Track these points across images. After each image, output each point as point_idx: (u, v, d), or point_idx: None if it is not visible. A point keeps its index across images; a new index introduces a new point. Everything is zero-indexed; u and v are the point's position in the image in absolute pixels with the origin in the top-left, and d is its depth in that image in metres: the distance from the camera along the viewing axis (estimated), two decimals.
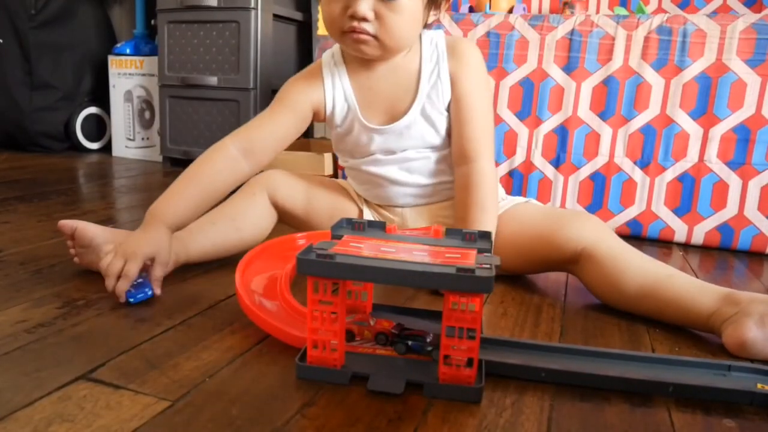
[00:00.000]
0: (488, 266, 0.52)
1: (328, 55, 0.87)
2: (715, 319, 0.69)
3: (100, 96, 2.19)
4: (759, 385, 0.57)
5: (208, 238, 0.85)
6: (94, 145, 2.22)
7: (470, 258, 0.55)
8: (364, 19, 0.73)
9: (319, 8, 1.81)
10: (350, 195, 0.95)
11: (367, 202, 0.95)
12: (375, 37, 0.75)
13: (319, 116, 0.87)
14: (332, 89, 0.85)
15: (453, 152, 0.86)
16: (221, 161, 0.80)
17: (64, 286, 0.77)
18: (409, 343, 0.59)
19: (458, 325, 0.52)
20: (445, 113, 0.85)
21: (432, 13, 0.80)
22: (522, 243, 0.84)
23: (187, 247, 0.83)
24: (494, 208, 0.83)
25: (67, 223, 0.80)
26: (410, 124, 0.84)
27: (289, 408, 0.51)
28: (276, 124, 0.83)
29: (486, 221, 0.81)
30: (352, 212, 0.94)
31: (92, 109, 2.19)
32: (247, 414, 0.49)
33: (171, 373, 0.56)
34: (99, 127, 2.23)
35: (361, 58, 0.81)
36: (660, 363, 0.61)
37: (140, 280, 0.73)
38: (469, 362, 0.53)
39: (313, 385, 0.55)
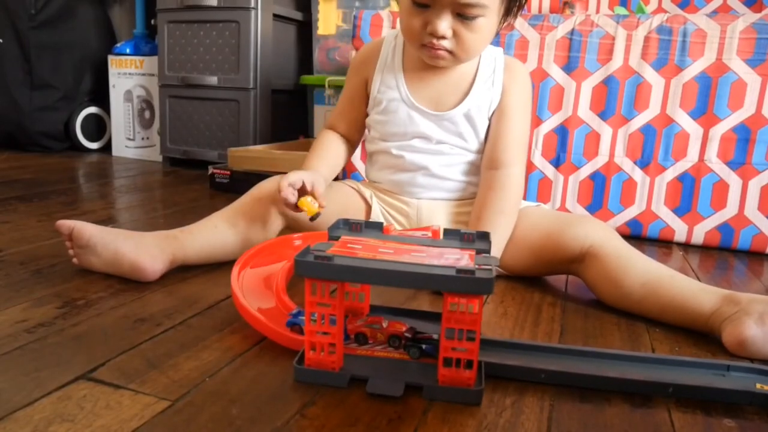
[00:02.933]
0: (488, 267, 0.52)
1: (392, 35, 0.93)
2: (715, 319, 0.69)
3: (100, 96, 2.19)
4: (758, 385, 0.57)
5: (208, 242, 0.85)
6: (94, 145, 2.22)
7: (469, 259, 0.55)
8: (443, 37, 0.77)
9: (319, 8, 1.82)
10: (358, 192, 0.96)
11: (377, 197, 0.95)
12: (451, 52, 0.80)
13: (367, 90, 0.94)
14: (383, 68, 0.91)
15: (485, 157, 0.89)
16: (333, 143, 0.95)
17: (64, 286, 0.77)
18: (423, 347, 0.59)
19: (458, 327, 0.52)
20: (487, 120, 0.89)
21: (506, 21, 0.84)
22: (531, 242, 0.85)
23: (184, 248, 0.83)
24: (513, 214, 0.85)
25: (65, 223, 0.80)
26: (452, 119, 0.88)
27: (289, 408, 0.51)
28: (353, 106, 0.96)
29: (502, 225, 0.82)
30: (359, 209, 0.94)
31: (92, 109, 2.19)
32: (247, 414, 0.49)
33: (171, 373, 0.56)
34: (99, 127, 2.23)
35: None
36: (659, 363, 0.61)
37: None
38: (469, 364, 0.53)
39: (313, 384, 0.55)
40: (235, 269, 0.70)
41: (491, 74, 0.88)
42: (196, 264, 0.86)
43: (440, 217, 0.91)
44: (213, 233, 0.86)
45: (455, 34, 0.78)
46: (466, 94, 0.87)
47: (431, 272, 0.50)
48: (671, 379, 0.57)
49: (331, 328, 0.54)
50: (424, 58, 0.83)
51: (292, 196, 0.81)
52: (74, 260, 0.82)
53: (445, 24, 0.76)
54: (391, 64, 0.90)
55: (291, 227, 0.93)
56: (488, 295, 0.82)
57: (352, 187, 0.96)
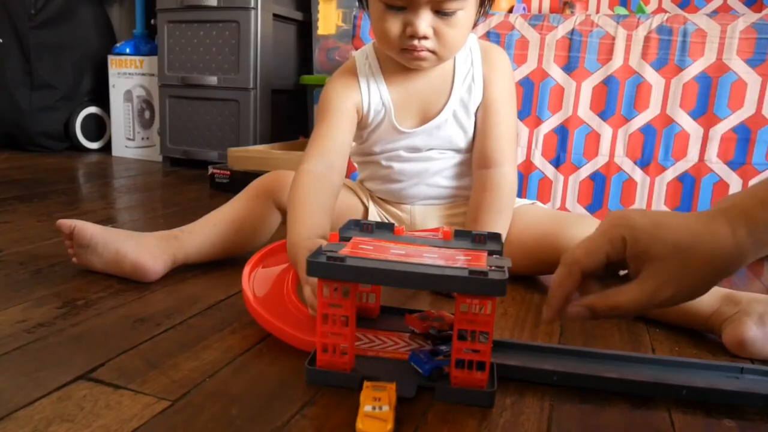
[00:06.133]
0: (501, 269, 0.51)
1: (362, 55, 0.86)
2: (715, 319, 0.69)
3: (100, 96, 2.19)
4: None
5: (208, 239, 0.85)
6: (94, 145, 2.22)
7: (481, 260, 0.54)
8: (425, 37, 0.74)
9: (319, 8, 1.82)
10: (355, 193, 0.95)
11: (373, 199, 0.94)
12: (433, 52, 0.76)
13: (358, 116, 0.86)
14: (368, 91, 0.84)
15: (475, 155, 0.86)
16: (315, 184, 0.77)
17: (64, 286, 0.77)
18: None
19: (470, 329, 0.51)
20: (473, 117, 0.86)
21: (481, 12, 0.80)
22: (526, 242, 0.84)
23: (185, 248, 0.83)
24: (509, 213, 0.83)
25: (66, 223, 0.80)
26: (441, 125, 0.85)
27: (289, 408, 0.51)
28: (337, 133, 0.82)
29: (499, 225, 0.80)
30: (357, 210, 0.93)
31: (92, 109, 2.19)
32: (247, 414, 0.49)
33: (171, 373, 0.56)
34: (99, 127, 2.23)
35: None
36: (670, 365, 0.61)
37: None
38: (481, 366, 0.53)
39: (313, 384, 0.55)
40: (247, 269, 0.70)
41: (469, 68, 0.85)
42: (197, 263, 0.86)
43: (433, 220, 0.91)
44: (212, 232, 0.86)
45: (436, 33, 0.74)
46: (449, 95, 0.84)
47: (445, 273, 0.50)
48: (684, 382, 0.56)
49: (343, 329, 0.54)
50: (405, 62, 0.79)
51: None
52: (74, 260, 0.82)
53: (425, 23, 0.72)
54: (372, 82, 0.84)
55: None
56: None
57: (350, 188, 0.96)
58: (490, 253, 0.58)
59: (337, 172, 0.80)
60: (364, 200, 0.94)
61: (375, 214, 0.93)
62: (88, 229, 0.79)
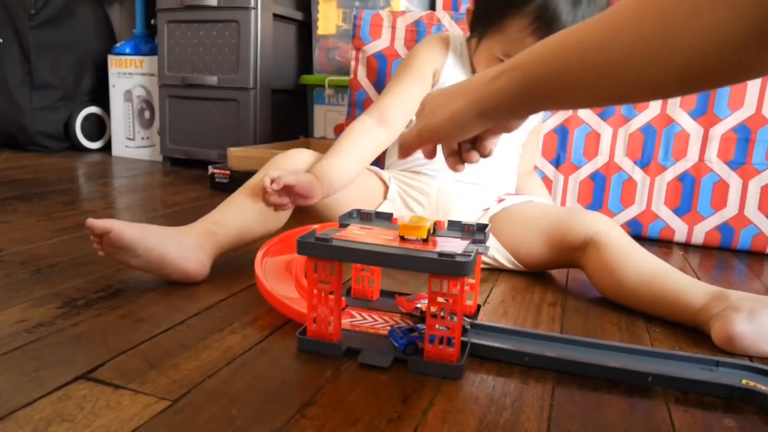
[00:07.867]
0: (468, 253, 0.55)
1: (457, 38, 0.98)
2: (703, 315, 0.70)
3: (100, 95, 2.19)
4: (744, 381, 0.57)
5: (238, 230, 0.83)
6: (94, 145, 2.22)
7: (460, 246, 0.58)
8: None
9: (319, 8, 1.82)
10: (376, 175, 0.98)
11: (396, 179, 0.98)
12: None
13: (434, 79, 0.96)
14: (453, 65, 0.96)
15: (523, 164, 1.07)
16: (359, 132, 0.89)
17: (64, 286, 0.77)
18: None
19: (440, 307, 0.56)
20: (525, 135, 1.06)
21: None
22: (540, 228, 0.89)
23: (221, 243, 0.81)
24: (545, 193, 1.06)
25: (98, 224, 0.72)
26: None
27: (289, 408, 0.51)
28: (404, 93, 0.92)
29: (541, 193, 0.98)
30: (378, 191, 0.97)
31: (92, 109, 2.19)
32: (247, 414, 0.49)
33: (171, 373, 0.56)
34: (99, 127, 2.23)
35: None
36: (649, 356, 0.62)
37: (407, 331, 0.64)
38: (450, 341, 0.57)
39: (313, 384, 0.55)
40: (259, 254, 0.75)
41: None
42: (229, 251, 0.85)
43: (458, 204, 0.94)
44: (242, 220, 0.84)
45: None
46: None
47: (416, 255, 0.55)
48: (651, 369, 0.57)
49: (329, 303, 0.59)
50: None
51: (276, 196, 0.81)
52: (100, 253, 0.76)
53: None
54: (461, 65, 0.96)
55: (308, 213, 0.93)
56: (490, 291, 0.82)
57: (370, 170, 0.98)
58: (474, 242, 0.62)
59: (387, 127, 0.90)
60: (386, 180, 0.97)
61: (395, 193, 0.96)
62: (126, 233, 0.73)
